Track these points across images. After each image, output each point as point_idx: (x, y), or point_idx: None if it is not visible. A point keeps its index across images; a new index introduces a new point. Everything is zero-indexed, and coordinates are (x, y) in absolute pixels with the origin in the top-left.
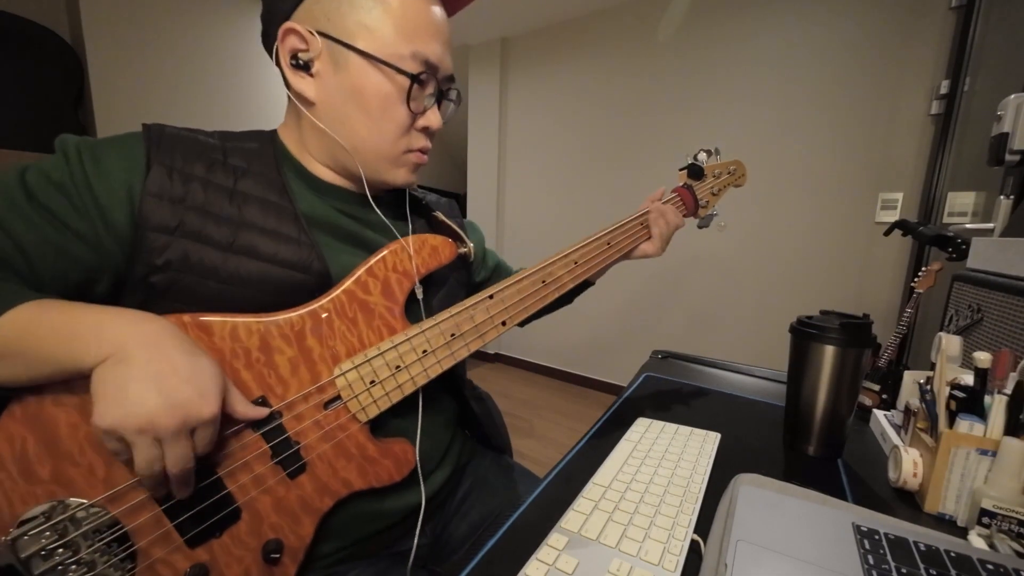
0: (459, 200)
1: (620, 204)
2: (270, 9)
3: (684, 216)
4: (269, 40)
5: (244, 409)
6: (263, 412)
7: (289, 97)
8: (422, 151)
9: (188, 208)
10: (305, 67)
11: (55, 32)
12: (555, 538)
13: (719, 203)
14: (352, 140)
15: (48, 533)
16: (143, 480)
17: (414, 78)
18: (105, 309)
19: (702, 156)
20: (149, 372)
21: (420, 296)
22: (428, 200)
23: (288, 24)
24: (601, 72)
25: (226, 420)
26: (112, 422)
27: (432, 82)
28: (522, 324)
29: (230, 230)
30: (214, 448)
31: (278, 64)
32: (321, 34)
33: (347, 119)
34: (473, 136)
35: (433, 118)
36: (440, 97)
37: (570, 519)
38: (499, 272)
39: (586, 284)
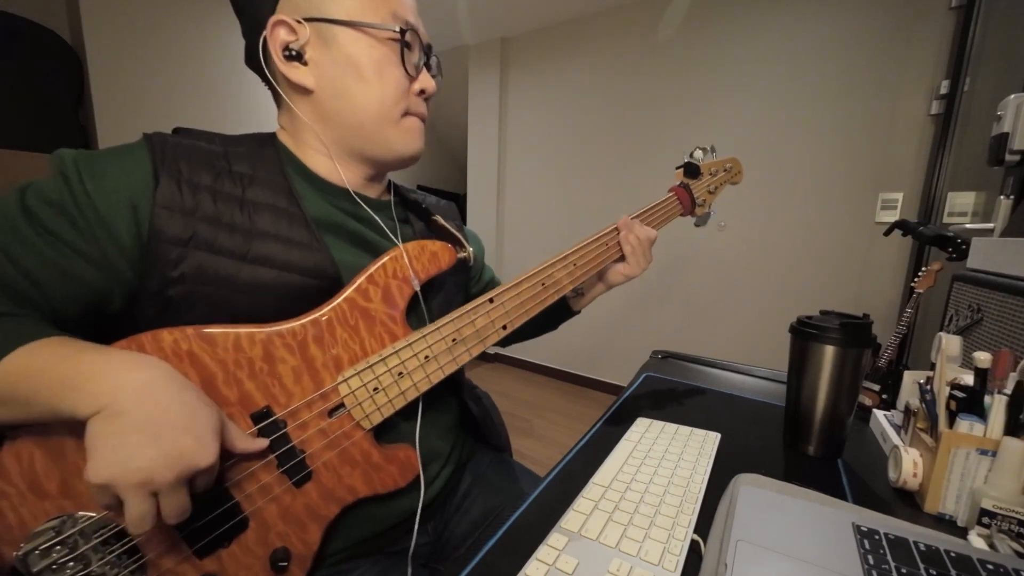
0: (459, 201)
1: (621, 204)
2: (253, 16)
3: (681, 215)
4: (254, 53)
5: (244, 445)
6: (262, 444)
7: (281, 99)
8: (422, 117)
9: (200, 219)
10: (298, 57)
11: (55, 32)
12: (555, 538)
13: (716, 201)
14: (356, 115)
15: (59, 547)
16: (132, 533)
17: (401, 34)
18: (101, 354)
19: (698, 154)
20: (144, 424)
21: (421, 299)
22: (428, 203)
23: (275, 17)
24: (601, 72)
25: (226, 454)
26: (107, 477)
27: (417, 44)
28: (504, 344)
29: (243, 239)
30: (222, 458)
31: (267, 72)
32: (307, 19)
33: (347, 94)
34: (473, 136)
35: (427, 80)
36: (426, 64)
37: (570, 519)
38: (490, 287)
39: (571, 312)
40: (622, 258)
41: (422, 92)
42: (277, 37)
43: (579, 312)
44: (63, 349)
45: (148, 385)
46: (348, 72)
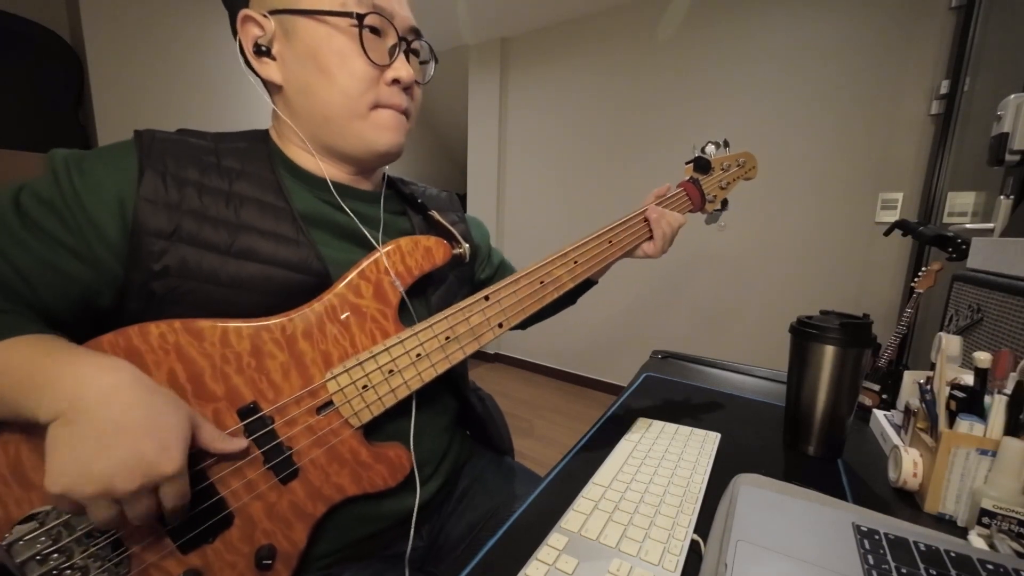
0: (459, 200)
1: (621, 203)
2: (231, 11)
3: (690, 211)
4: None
5: (222, 445)
6: (241, 445)
7: (268, 93)
8: (398, 109)
9: (184, 212)
10: (267, 52)
11: (55, 32)
12: (555, 538)
13: (728, 197)
14: (321, 109)
15: (43, 538)
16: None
17: (360, 19)
18: (68, 356)
19: (710, 148)
20: (104, 428)
21: (407, 299)
22: (427, 195)
23: (244, 11)
24: (601, 71)
25: (203, 455)
26: (64, 487)
27: (391, 30)
28: (524, 326)
29: (228, 233)
30: (207, 454)
31: (247, 63)
32: (271, 12)
33: (310, 88)
34: (473, 136)
35: (402, 69)
36: (408, 51)
37: (570, 519)
38: (504, 269)
39: (589, 283)
40: (632, 251)
41: (396, 82)
42: (248, 32)
43: (597, 282)
44: (34, 348)
45: (111, 388)
46: (310, 65)
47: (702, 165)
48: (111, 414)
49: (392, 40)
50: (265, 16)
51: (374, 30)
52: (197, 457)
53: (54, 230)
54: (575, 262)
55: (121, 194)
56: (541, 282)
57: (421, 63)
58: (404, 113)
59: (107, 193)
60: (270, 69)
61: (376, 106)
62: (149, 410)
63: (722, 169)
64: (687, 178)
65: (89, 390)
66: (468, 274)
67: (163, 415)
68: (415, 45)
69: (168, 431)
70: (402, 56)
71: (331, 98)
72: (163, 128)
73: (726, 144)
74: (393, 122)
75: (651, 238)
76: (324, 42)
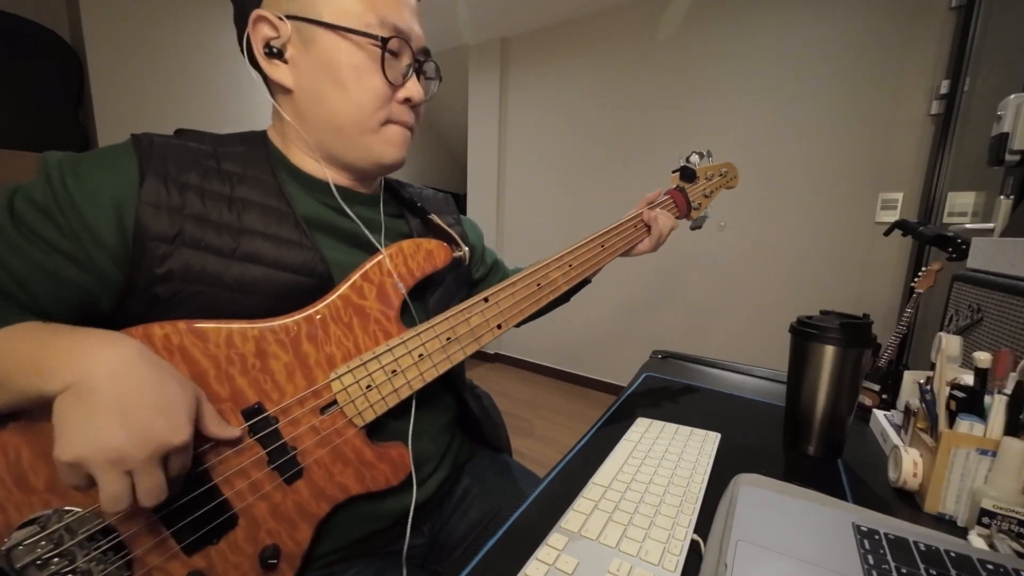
0: (459, 200)
1: (620, 203)
2: (241, 6)
3: (677, 218)
4: (242, 45)
5: (217, 430)
6: (235, 433)
7: (271, 94)
8: (406, 126)
9: (186, 217)
10: (279, 55)
11: (55, 32)
12: (555, 538)
13: (711, 205)
14: (333, 119)
15: (44, 542)
16: (106, 516)
17: (384, 42)
18: (74, 334)
19: (694, 158)
20: (116, 400)
21: (408, 301)
22: (424, 196)
23: (257, 11)
24: (601, 71)
25: (207, 454)
26: (76, 455)
27: (407, 52)
28: (519, 324)
29: (231, 237)
30: (211, 454)
31: (252, 62)
32: (289, 17)
33: (324, 97)
34: (473, 136)
35: (414, 89)
36: (418, 70)
37: (570, 519)
38: (496, 269)
39: (583, 282)
40: (626, 252)
41: (407, 100)
42: (259, 32)
43: (591, 281)
44: (37, 331)
45: (120, 363)
46: (326, 75)
47: (688, 174)
48: (121, 388)
49: (407, 60)
50: (281, 19)
51: (392, 52)
52: (201, 456)
53: (50, 235)
54: (569, 265)
55: (119, 199)
56: (538, 284)
57: (427, 79)
58: (410, 129)
59: (104, 198)
60: (281, 72)
61: (387, 122)
62: (158, 385)
63: (706, 178)
64: (674, 186)
65: (99, 364)
66: (465, 276)
67: (170, 389)
68: (428, 68)
69: (177, 408)
70: (414, 76)
71: (345, 110)
72: (162, 128)
73: (709, 154)
74: (400, 138)
75: (645, 238)
76: (344, 56)
